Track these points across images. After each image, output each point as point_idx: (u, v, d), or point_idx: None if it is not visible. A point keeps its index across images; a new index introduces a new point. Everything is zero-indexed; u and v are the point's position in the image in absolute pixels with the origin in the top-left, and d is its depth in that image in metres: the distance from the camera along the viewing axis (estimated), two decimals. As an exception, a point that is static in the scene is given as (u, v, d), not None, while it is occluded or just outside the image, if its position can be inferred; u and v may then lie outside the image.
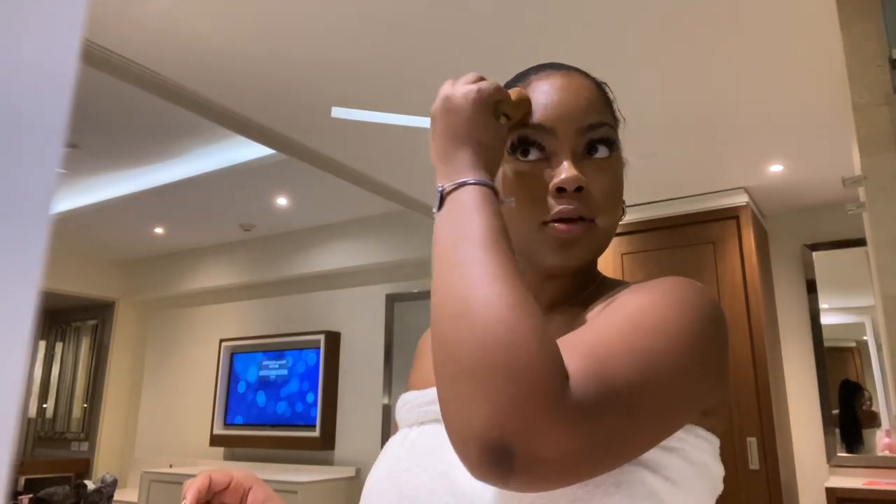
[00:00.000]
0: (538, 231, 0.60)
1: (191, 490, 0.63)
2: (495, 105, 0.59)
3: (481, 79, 0.60)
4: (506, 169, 0.63)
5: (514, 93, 0.61)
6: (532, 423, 0.41)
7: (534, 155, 0.61)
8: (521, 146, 0.61)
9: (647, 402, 0.46)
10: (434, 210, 0.55)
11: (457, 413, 0.44)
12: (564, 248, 0.60)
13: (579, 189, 0.59)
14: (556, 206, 0.59)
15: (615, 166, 0.62)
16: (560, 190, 0.59)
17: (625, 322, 0.49)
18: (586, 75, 0.65)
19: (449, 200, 0.54)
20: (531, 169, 0.61)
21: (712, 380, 0.51)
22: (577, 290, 0.65)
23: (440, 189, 0.55)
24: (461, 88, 0.59)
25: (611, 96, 0.66)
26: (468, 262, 0.49)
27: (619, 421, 0.44)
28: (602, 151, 0.61)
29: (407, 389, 0.71)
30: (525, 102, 0.61)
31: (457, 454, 0.45)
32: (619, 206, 0.63)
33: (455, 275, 0.48)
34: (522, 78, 0.66)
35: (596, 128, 0.61)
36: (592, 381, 0.44)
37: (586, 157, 0.61)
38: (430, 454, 0.59)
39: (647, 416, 0.46)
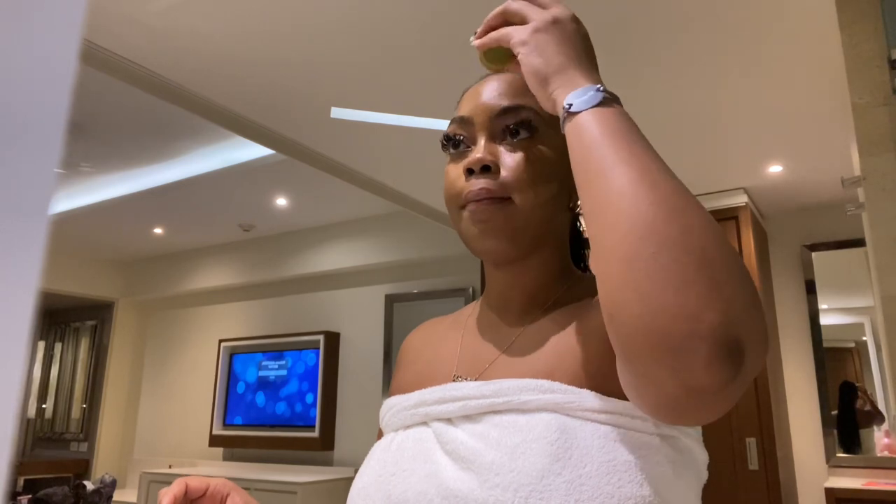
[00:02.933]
0: (461, 217, 0.62)
1: (166, 497, 0.61)
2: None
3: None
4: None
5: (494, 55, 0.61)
6: (758, 322, 0.43)
7: (461, 147, 0.64)
8: (451, 141, 0.64)
9: None
10: (583, 98, 0.51)
11: (681, 306, 0.41)
12: (481, 228, 0.60)
13: (486, 168, 0.60)
14: (467, 187, 0.60)
15: (535, 146, 0.61)
16: (469, 172, 0.60)
17: None
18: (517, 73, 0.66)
19: (611, 107, 0.51)
20: (456, 159, 0.63)
21: None
22: (553, 285, 0.65)
23: (599, 88, 0.52)
24: (563, 10, 0.57)
25: None
26: (667, 169, 0.48)
27: None
28: (523, 134, 0.61)
29: (389, 395, 0.70)
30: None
31: (662, 354, 0.42)
32: (539, 185, 0.61)
33: (667, 173, 0.47)
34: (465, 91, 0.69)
35: (511, 111, 0.62)
36: None
37: (506, 140, 0.62)
38: (417, 457, 0.58)
39: None
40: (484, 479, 0.52)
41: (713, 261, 0.42)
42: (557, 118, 0.54)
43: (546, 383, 0.54)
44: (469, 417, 0.57)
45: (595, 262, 0.48)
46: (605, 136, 0.49)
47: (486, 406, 0.56)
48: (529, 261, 0.64)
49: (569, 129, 0.52)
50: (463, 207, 0.61)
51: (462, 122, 0.64)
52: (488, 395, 0.56)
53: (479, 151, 0.60)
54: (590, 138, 0.49)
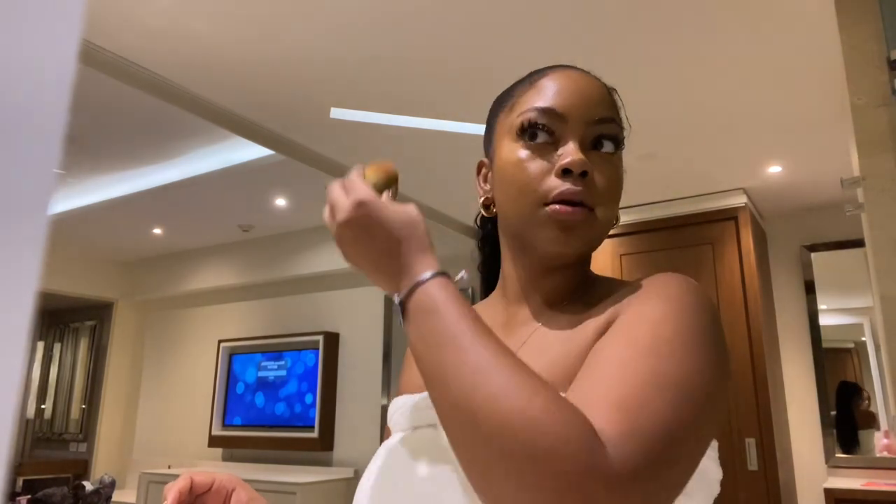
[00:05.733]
0: (539, 213, 0.59)
1: (172, 492, 0.61)
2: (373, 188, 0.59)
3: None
4: (508, 151, 0.62)
5: (378, 169, 0.61)
6: (587, 501, 0.40)
7: (542, 138, 0.61)
8: (531, 129, 0.61)
9: (688, 438, 0.46)
10: (399, 321, 0.53)
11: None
12: (564, 232, 0.59)
13: (584, 174, 0.58)
14: (560, 187, 0.58)
15: (618, 164, 0.63)
16: (566, 172, 0.58)
17: (644, 354, 0.48)
18: (599, 79, 0.66)
19: (411, 310, 0.52)
20: (537, 152, 0.61)
21: (726, 380, 0.52)
22: (575, 287, 0.65)
23: (398, 301, 0.53)
24: (347, 207, 0.55)
25: (619, 103, 0.67)
26: (457, 365, 0.47)
27: (666, 469, 0.44)
28: (608, 147, 0.61)
29: (398, 394, 0.70)
30: (390, 170, 0.62)
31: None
32: (617, 203, 0.63)
33: (449, 382, 0.46)
34: (538, 73, 0.65)
35: (606, 122, 0.61)
36: (631, 440, 0.42)
37: (592, 149, 0.61)
38: (424, 459, 0.58)
39: (690, 450, 0.46)
40: None
41: (512, 465, 0.42)
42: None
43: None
44: None
45: None
46: (418, 360, 0.51)
47: None
48: (579, 265, 0.65)
49: None
50: (545, 205, 0.59)
51: (554, 115, 0.60)
52: None
53: (578, 154, 0.58)
54: (416, 355, 0.51)
